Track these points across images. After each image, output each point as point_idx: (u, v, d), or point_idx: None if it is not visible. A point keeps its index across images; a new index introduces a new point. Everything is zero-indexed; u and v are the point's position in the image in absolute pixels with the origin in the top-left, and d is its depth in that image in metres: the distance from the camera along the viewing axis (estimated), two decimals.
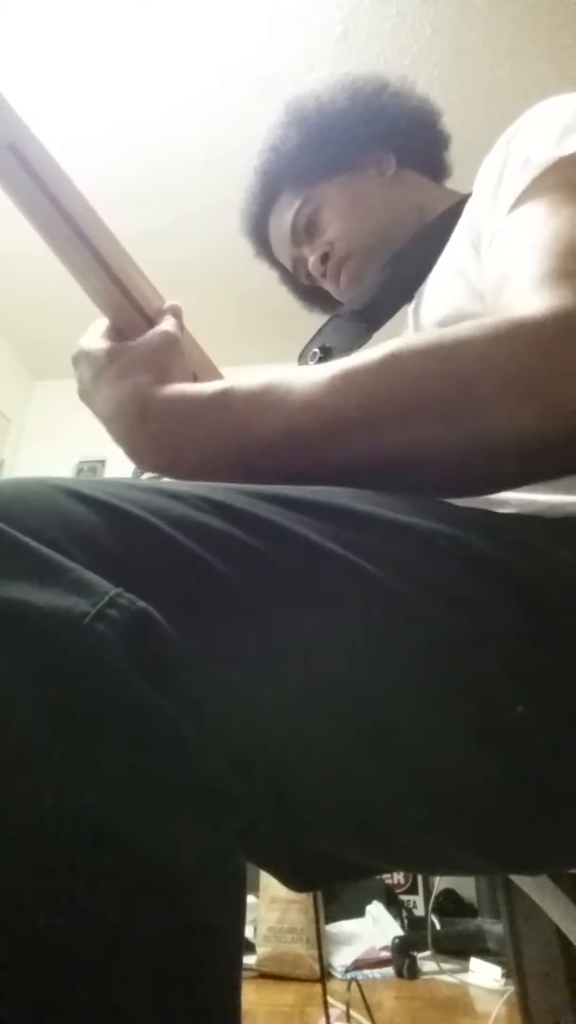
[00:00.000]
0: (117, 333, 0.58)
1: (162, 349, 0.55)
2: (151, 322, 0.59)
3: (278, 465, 0.42)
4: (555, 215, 0.49)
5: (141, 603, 0.28)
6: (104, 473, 3.36)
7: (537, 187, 0.52)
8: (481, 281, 0.57)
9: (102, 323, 0.59)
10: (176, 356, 0.55)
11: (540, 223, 0.49)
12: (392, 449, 0.41)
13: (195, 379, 0.59)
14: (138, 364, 0.53)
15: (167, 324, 0.57)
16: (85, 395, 0.57)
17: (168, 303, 0.61)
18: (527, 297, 0.44)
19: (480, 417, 0.40)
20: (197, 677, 0.30)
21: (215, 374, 0.63)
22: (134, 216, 2.60)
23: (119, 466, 3.34)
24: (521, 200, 0.53)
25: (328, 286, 0.89)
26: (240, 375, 0.49)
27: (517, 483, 0.44)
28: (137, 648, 0.27)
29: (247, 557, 0.34)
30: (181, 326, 0.60)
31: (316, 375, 0.44)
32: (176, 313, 0.60)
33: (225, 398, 0.46)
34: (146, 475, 0.57)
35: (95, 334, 0.58)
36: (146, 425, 0.49)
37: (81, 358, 0.57)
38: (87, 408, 0.57)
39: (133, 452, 0.49)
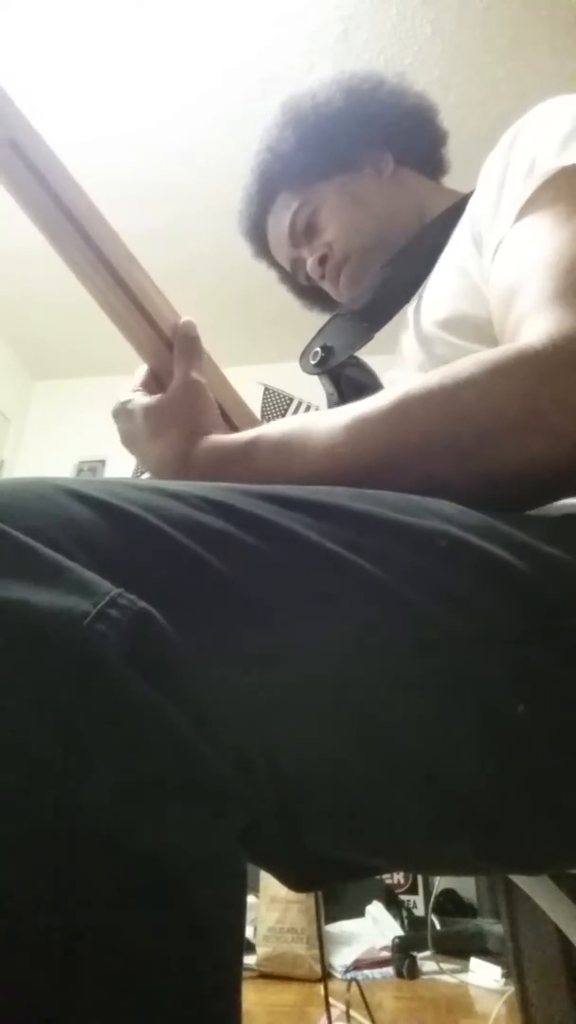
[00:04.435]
0: (154, 379, 0.62)
1: (189, 402, 0.58)
2: (159, 330, 0.60)
3: None
4: (558, 230, 0.50)
5: (142, 603, 0.28)
6: (104, 473, 3.36)
7: (541, 198, 0.53)
8: (483, 279, 0.58)
9: (141, 371, 0.63)
10: (203, 403, 0.59)
11: (544, 240, 0.50)
12: (408, 488, 0.42)
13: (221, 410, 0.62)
14: (169, 420, 0.57)
15: (193, 372, 0.60)
16: (128, 446, 0.62)
17: (182, 320, 0.62)
18: (530, 321, 0.46)
19: (491, 452, 0.42)
20: (198, 677, 0.30)
21: (233, 395, 0.66)
22: (134, 216, 2.59)
23: (119, 466, 3.34)
24: (525, 211, 0.53)
25: (327, 287, 0.89)
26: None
27: (529, 506, 0.45)
28: (138, 648, 0.27)
29: (247, 557, 0.34)
30: (199, 349, 0.62)
31: (332, 423, 0.47)
32: (191, 333, 0.62)
33: (252, 449, 0.50)
34: (146, 475, 0.58)
35: (132, 385, 0.63)
36: (187, 478, 0.52)
37: (120, 414, 0.62)
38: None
39: None
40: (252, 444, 0.51)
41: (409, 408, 0.45)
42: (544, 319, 0.45)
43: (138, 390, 0.63)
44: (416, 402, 0.45)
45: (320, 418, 0.49)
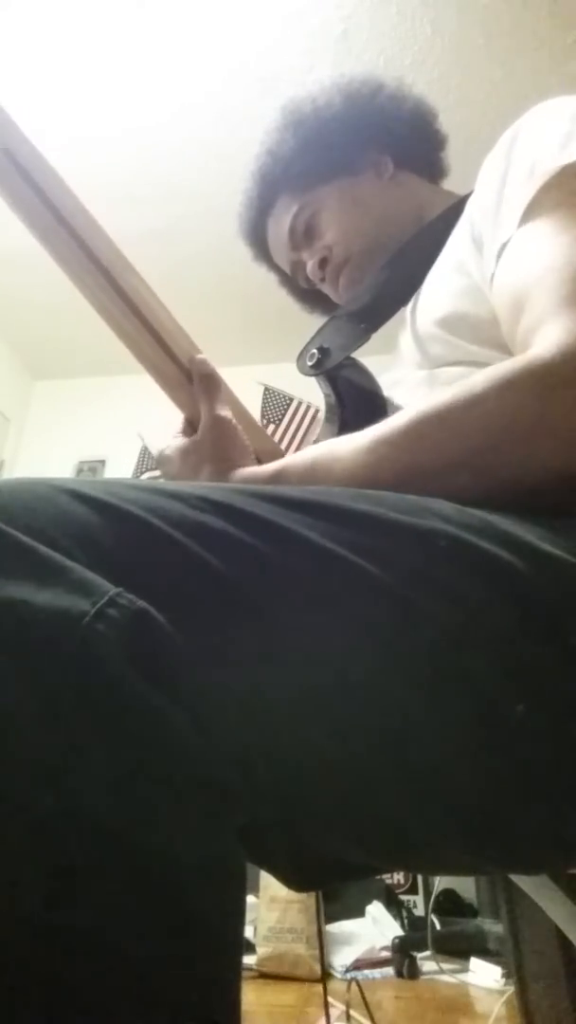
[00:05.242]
0: (189, 425, 0.66)
1: (217, 438, 0.62)
2: (152, 328, 0.60)
3: None
4: (562, 234, 0.50)
5: (141, 603, 0.28)
6: (104, 473, 3.36)
7: (543, 200, 0.53)
8: (484, 280, 0.58)
9: (179, 423, 0.67)
10: (230, 437, 0.62)
11: (549, 244, 0.51)
12: None
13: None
14: (205, 458, 0.61)
15: (217, 409, 0.63)
16: None
17: (197, 357, 0.64)
18: (539, 332, 0.46)
19: (505, 466, 0.43)
20: (197, 676, 0.30)
21: (248, 419, 0.68)
22: (134, 216, 2.60)
23: (119, 466, 3.34)
24: (529, 215, 0.53)
25: (327, 290, 0.89)
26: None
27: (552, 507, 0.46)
28: (137, 647, 0.27)
29: (247, 557, 0.34)
30: (218, 384, 0.64)
31: (353, 447, 0.49)
32: (207, 370, 0.64)
33: (280, 478, 0.54)
34: (146, 475, 0.59)
35: (172, 433, 0.66)
36: None
37: (162, 460, 0.67)
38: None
39: None
40: (279, 474, 0.54)
41: (423, 428, 0.46)
42: (552, 328, 0.45)
43: (176, 436, 0.66)
44: (429, 422, 0.46)
45: (342, 443, 0.51)
